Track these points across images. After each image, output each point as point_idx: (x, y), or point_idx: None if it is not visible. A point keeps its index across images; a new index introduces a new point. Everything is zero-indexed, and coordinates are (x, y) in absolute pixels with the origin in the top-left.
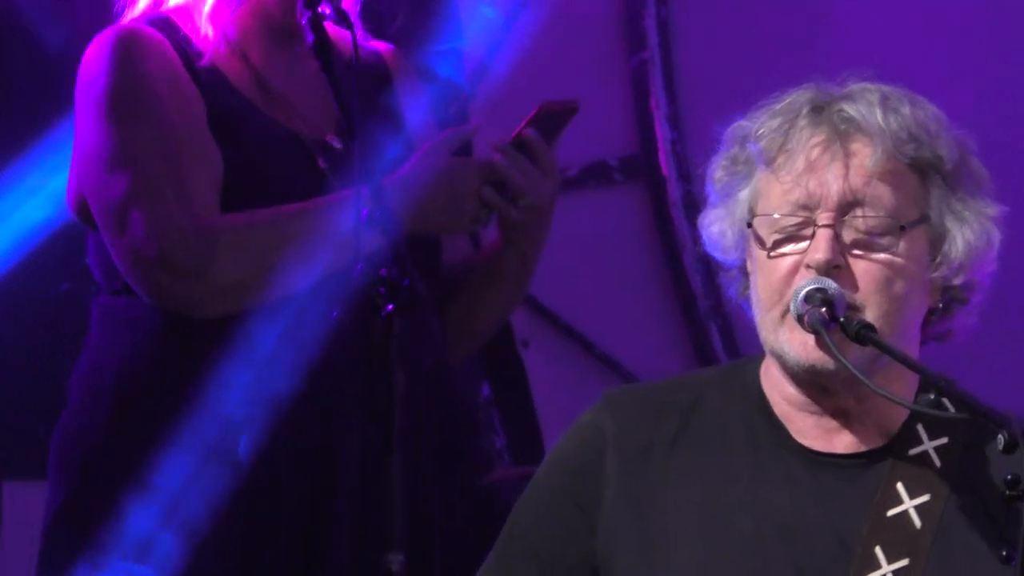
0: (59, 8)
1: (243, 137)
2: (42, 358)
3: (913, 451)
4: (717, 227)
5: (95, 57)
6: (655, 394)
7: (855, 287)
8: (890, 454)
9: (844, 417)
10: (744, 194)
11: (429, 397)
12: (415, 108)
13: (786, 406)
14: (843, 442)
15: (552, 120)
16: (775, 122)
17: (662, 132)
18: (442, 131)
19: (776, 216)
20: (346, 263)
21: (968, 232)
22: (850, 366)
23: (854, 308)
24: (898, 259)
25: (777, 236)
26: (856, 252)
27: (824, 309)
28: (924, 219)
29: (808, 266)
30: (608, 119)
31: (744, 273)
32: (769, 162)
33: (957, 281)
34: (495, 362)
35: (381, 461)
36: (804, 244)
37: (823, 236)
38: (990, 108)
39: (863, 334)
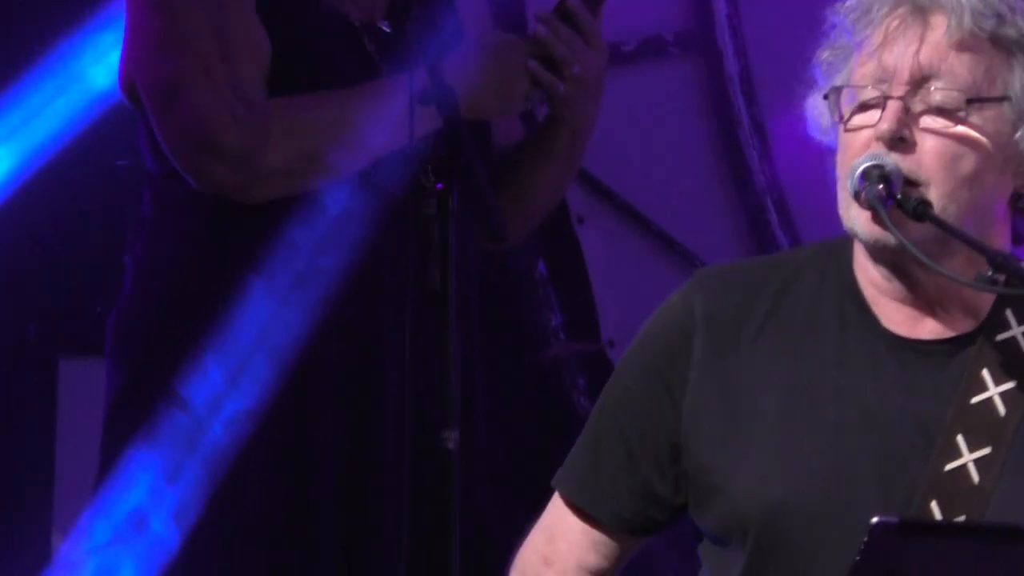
0: None
1: (292, 22)
2: (99, 235)
3: (1001, 336)
4: (817, 108)
5: None
6: (747, 274)
7: (920, 163)
8: (977, 340)
9: (929, 302)
10: (843, 75)
11: (484, 274)
12: None
13: (873, 290)
14: (929, 328)
15: None
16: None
17: (718, 6)
18: (493, 10)
19: (851, 87)
20: (398, 145)
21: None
22: (905, 241)
23: (917, 184)
24: (971, 134)
25: (854, 110)
26: (925, 125)
27: (881, 186)
28: (1005, 98)
29: (878, 139)
30: None
31: None
32: (855, 36)
33: None
34: (550, 239)
35: (436, 339)
36: (878, 117)
37: (891, 107)
38: None
39: (920, 210)
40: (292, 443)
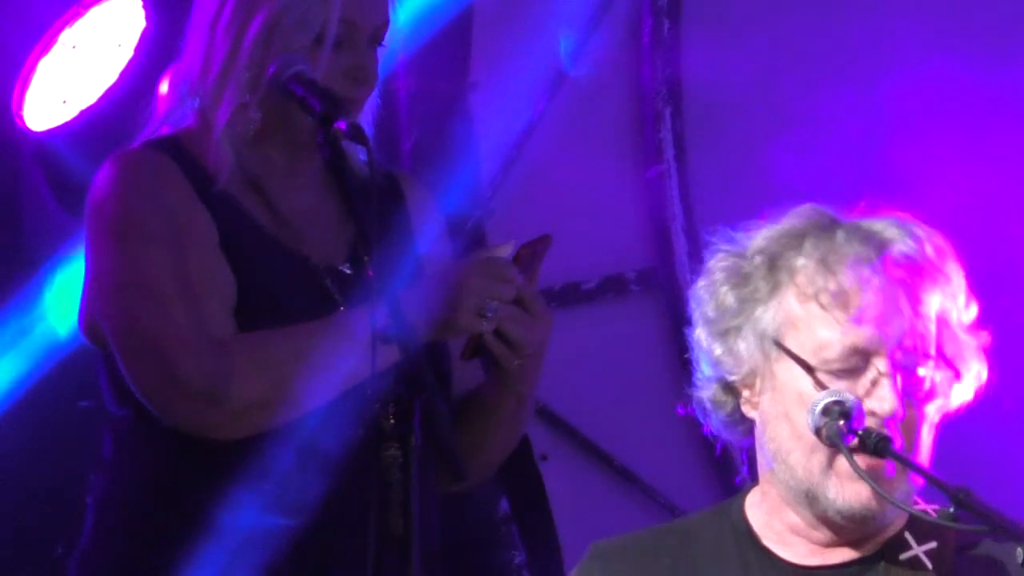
0: None
1: (254, 263)
2: (62, 476)
3: (904, 555)
4: (722, 346)
5: (105, 182)
6: (643, 541)
7: (907, 431)
8: (882, 560)
9: (842, 536)
10: (763, 315)
11: (445, 514)
12: (428, 230)
13: (786, 533)
14: (837, 555)
15: (531, 259)
16: (819, 256)
17: (678, 244)
18: (455, 253)
19: (836, 358)
20: (363, 377)
21: (969, 369)
22: (886, 495)
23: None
24: (940, 399)
25: (831, 379)
26: (914, 399)
27: (842, 423)
28: (946, 361)
29: (873, 413)
30: (625, 232)
31: (729, 390)
32: (816, 299)
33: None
34: (513, 477)
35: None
36: (858, 388)
37: (889, 386)
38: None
39: (881, 447)
40: None
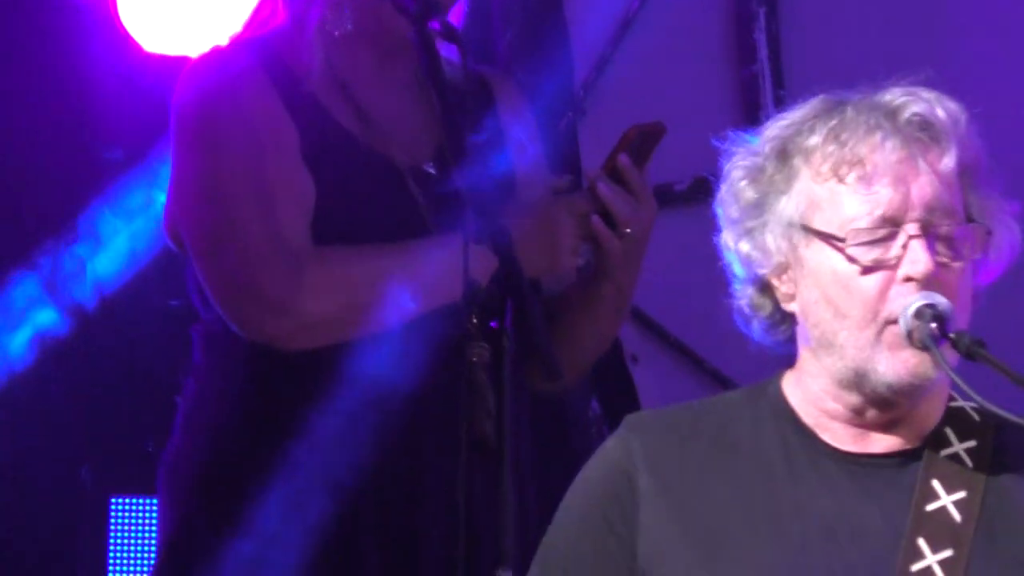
0: None
1: (336, 167)
2: (152, 374)
3: (945, 452)
4: (749, 242)
5: (187, 84)
6: (680, 417)
7: (949, 292)
8: (923, 455)
9: (885, 425)
10: (786, 206)
11: (537, 414)
12: (519, 132)
13: (823, 418)
14: (878, 444)
15: (642, 144)
16: (832, 133)
17: None
18: (548, 151)
19: (864, 228)
20: (443, 303)
21: (1004, 231)
22: (962, 383)
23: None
24: (968, 263)
25: (863, 251)
26: (943, 261)
27: (934, 325)
28: (973, 220)
29: (909, 278)
30: (718, 132)
31: (765, 288)
32: (834, 174)
33: (989, 279)
34: (604, 378)
35: (490, 481)
36: (892, 257)
37: (921, 247)
38: None
39: (974, 350)
40: None
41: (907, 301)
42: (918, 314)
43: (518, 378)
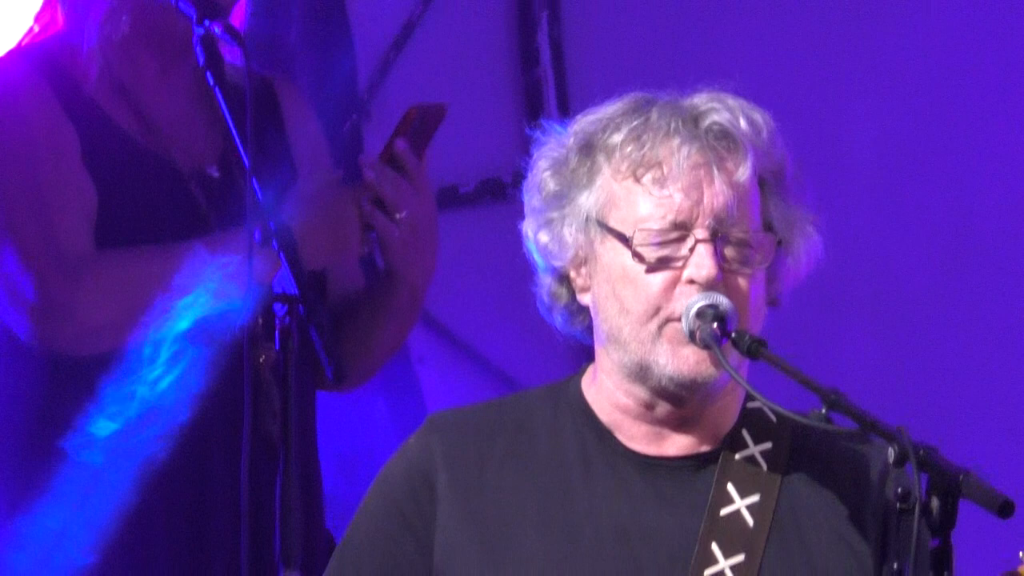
0: None
1: (118, 171)
2: None
3: (740, 455)
4: (548, 233)
5: None
6: (480, 415)
7: (738, 302)
8: (719, 457)
9: (679, 424)
10: (586, 200)
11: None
12: (302, 135)
13: (618, 415)
14: (674, 446)
15: (422, 124)
16: (633, 133)
17: None
18: (332, 153)
19: (654, 229)
20: (225, 306)
21: (803, 240)
22: (742, 382)
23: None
24: (761, 271)
25: (650, 250)
26: (731, 267)
27: (716, 325)
28: (770, 227)
29: (692, 281)
30: (502, 135)
31: (563, 279)
32: (632, 174)
33: (788, 286)
34: (390, 378)
35: (273, 482)
36: (679, 258)
37: (706, 252)
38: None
39: (755, 348)
40: None
41: (689, 301)
42: (700, 314)
43: (305, 378)
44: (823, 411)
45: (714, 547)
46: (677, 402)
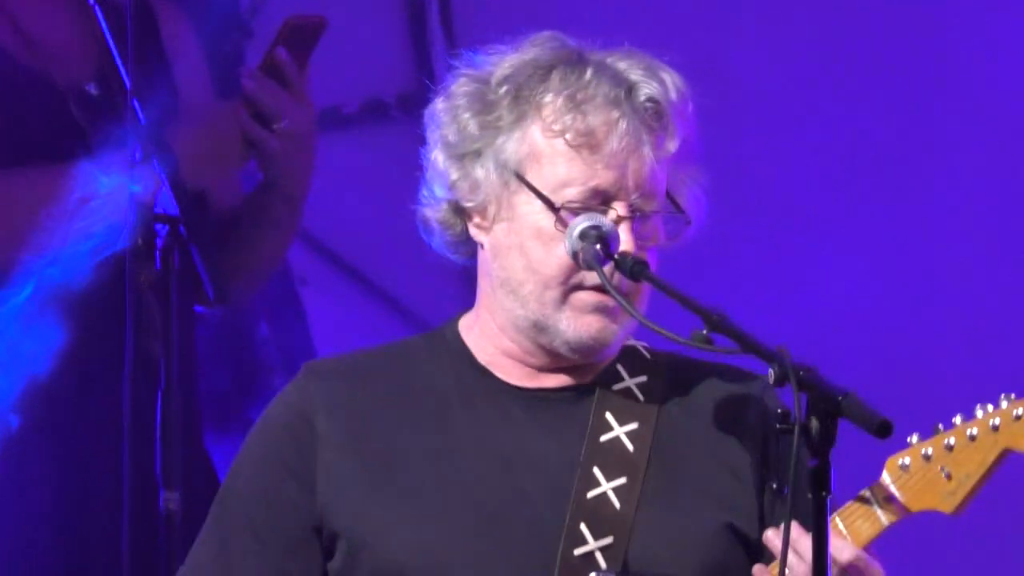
0: None
1: None
2: None
3: (617, 386)
4: (459, 170)
5: None
6: (358, 363)
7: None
8: (595, 390)
9: (557, 368)
10: (505, 145)
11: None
12: (182, 54)
13: (498, 355)
14: (551, 381)
15: (302, 36)
16: (569, 93)
17: (439, 67)
18: (212, 72)
19: (575, 194)
20: (106, 225)
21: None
22: (639, 316)
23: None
24: (670, 240)
25: (564, 214)
26: (646, 243)
27: (599, 246)
28: (678, 205)
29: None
30: (385, 55)
31: (460, 212)
32: (562, 135)
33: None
34: (273, 300)
35: (155, 402)
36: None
37: (627, 229)
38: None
39: (637, 270)
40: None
41: (573, 222)
42: (583, 235)
43: (186, 297)
44: (704, 332)
45: (596, 471)
46: (564, 361)
